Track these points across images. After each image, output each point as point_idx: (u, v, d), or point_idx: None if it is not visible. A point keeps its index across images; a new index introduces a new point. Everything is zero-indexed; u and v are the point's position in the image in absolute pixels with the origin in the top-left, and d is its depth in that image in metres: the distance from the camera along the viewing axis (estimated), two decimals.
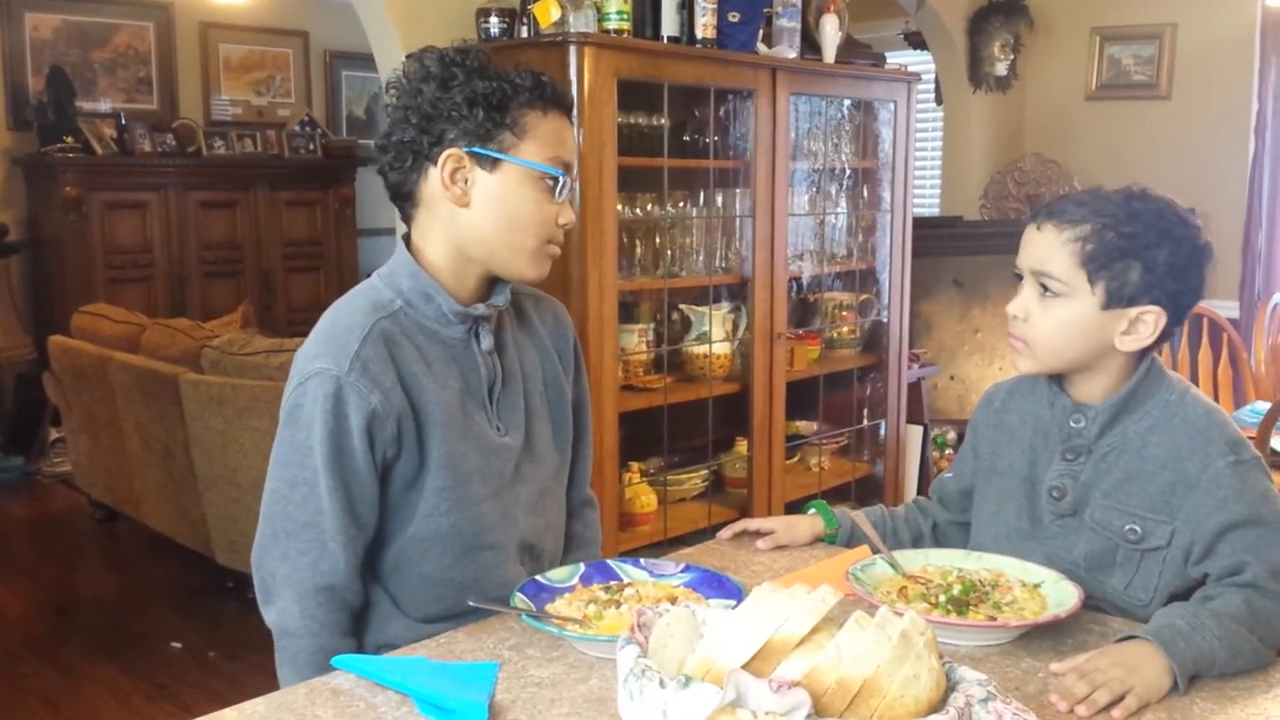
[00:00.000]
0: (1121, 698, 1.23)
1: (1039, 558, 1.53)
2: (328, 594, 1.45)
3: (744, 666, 0.98)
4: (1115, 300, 1.45)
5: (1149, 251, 1.44)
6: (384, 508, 1.50)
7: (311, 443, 1.44)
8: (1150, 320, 1.46)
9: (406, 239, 1.57)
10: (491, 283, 1.59)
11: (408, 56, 1.55)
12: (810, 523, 1.80)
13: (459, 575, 1.53)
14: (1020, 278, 1.52)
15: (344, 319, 1.49)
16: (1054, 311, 1.47)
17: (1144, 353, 1.52)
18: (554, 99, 1.53)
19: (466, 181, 1.50)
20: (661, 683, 0.95)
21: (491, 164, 1.49)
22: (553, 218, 1.53)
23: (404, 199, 1.55)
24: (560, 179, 1.52)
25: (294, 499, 1.45)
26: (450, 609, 1.53)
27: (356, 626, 1.51)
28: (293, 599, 1.45)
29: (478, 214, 1.51)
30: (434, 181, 1.51)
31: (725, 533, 1.82)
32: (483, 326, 1.56)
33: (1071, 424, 1.54)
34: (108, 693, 3.21)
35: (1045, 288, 1.47)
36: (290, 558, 1.45)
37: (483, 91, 1.48)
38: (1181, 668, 1.27)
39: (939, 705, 0.99)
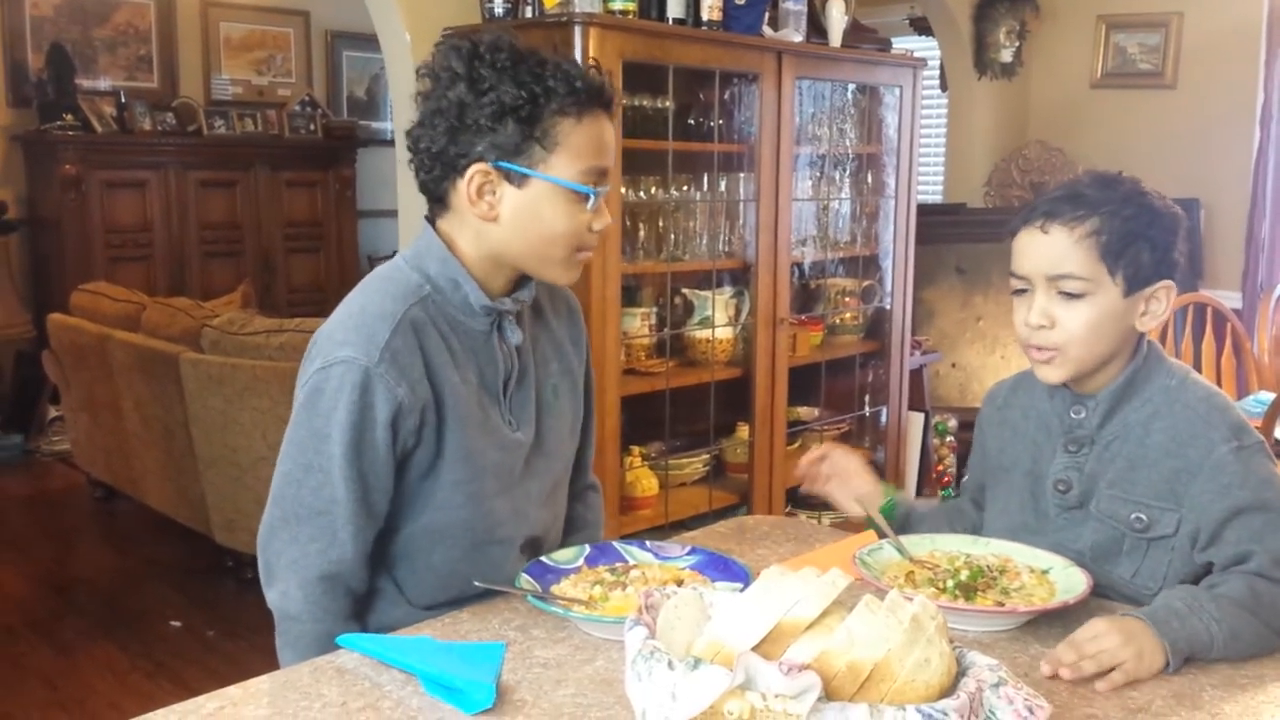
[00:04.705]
0: (1109, 671, 1.24)
1: (1045, 549, 1.52)
2: (332, 581, 1.43)
3: (753, 649, 0.97)
4: (1134, 285, 1.45)
5: (1151, 230, 1.45)
6: (397, 495, 1.47)
7: (330, 430, 1.40)
8: (1164, 296, 1.48)
9: (432, 221, 1.52)
10: (519, 278, 1.55)
11: (438, 44, 1.51)
12: (869, 488, 1.69)
13: (466, 568, 1.50)
14: (1021, 290, 1.49)
15: (374, 305, 1.44)
16: (1080, 311, 1.45)
17: (1140, 337, 1.52)
18: (590, 100, 1.45)
19: (494, 195, 1.45)
20: (670, 664, 0.94)
21: (520, 179, 1.44)
22: (585, 226, 1.49)
23: (432, 198, 1.51)
24: (591, 195, 1.46)
25: (308, 484, 1.42)
26: (455, 597, 1.51)
27: (359, 610, 1.49)
28: (296, 584, 1.43)
29: (506, 229, 1.46)
30: (461, 193, 1.46)
31: (804, 460, 1.73)
32: (507, 320, 1.53)
33: (1072, 415, 1.53)
34: (106, 671, 3.21)
35: (1065, 290, 1.45)
36: (299, 542, 1.42)
37: (511, 103, 1.41)
38: (1174, 646, 1.27)
39: (950, 690, 0.98)
